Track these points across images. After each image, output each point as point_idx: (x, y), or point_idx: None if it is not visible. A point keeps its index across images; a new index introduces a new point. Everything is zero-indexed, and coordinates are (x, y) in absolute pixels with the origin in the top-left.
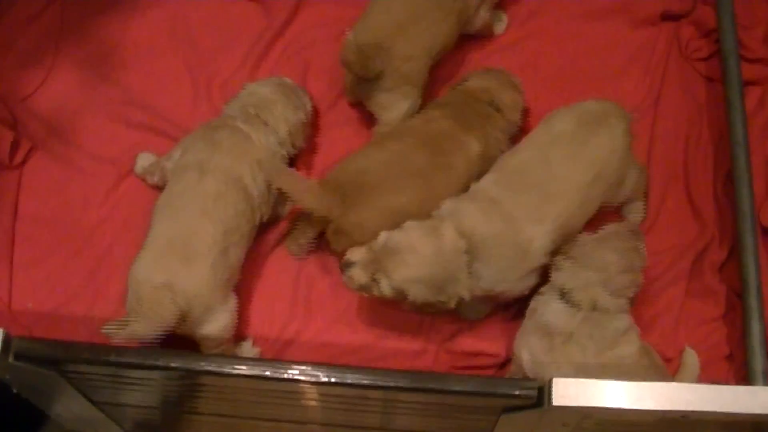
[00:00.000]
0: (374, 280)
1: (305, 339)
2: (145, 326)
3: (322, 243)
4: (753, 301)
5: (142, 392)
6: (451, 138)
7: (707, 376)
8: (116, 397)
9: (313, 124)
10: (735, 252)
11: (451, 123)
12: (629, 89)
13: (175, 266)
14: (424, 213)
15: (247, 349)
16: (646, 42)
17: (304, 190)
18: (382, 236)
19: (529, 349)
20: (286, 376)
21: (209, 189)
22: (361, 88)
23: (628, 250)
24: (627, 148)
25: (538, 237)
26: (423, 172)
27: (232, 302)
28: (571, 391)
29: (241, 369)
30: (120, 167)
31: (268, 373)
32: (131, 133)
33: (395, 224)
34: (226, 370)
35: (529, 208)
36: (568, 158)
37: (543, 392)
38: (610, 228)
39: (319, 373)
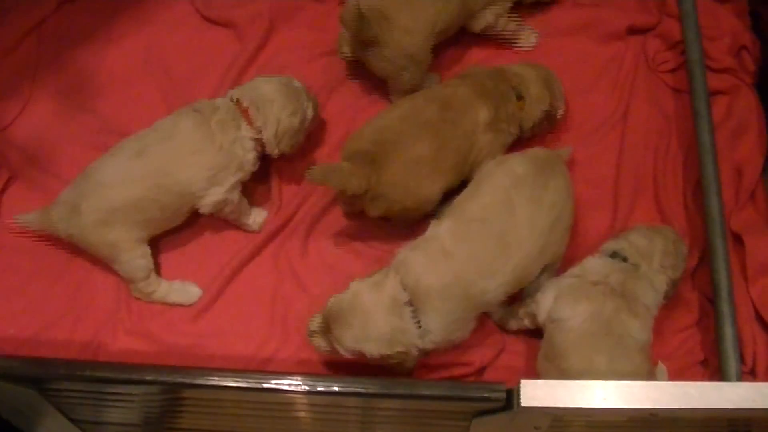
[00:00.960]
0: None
1: (284, 357)
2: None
3: (299, 262)
4: (725, 307)
5: (122, 410)
6: (461, 100)
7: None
8: (97, 416)
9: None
10: (706, 258)
11: (467, 90)
12: (598, 103)
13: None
14: (439, 163)
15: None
16: (613, 56)
17: (341, 178)
18: (330, 301)
19: (557, 289)
20: (256, 385)
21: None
22: (360, 49)
23: (674, 241)
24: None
25: (492, 290)
26: (432, 123)
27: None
28: (539, 393)
29: (213, 380)
30: None
31: (239, 384)
32: None
33: (421, 175)
34: (199, 381)
35: (484, 261)
36: (532, 201)
37: (512, 394)
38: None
39: (291, 382)
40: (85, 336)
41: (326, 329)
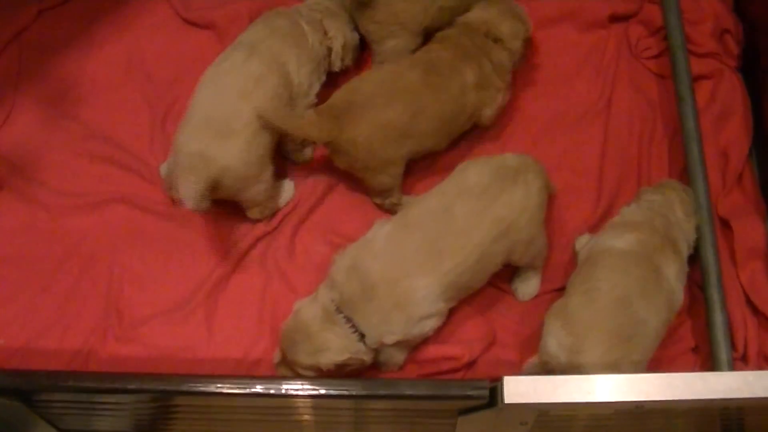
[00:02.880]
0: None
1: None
2: (183, 188)
3: (286, 262)
4: (714, 293)
5: (112, 418)
6: (446, 64)
7: (674, 369)
8: (86, 425)
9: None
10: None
11: (449, 54)
12: (582, 91)
13: (210, 139)
14: (414, 129)
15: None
16: (596, 44)
17: (303, 123)
18: (281, 327)
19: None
20: (241, 391)
21: (253, 70)
22: (355, 8)
23: (683, 189)
24: (540, 205)
25: (421, 288)
26: (414, 88)
27: (267, 174)
28: (522, 389)
29: (197, 387)
30: (85, 201)
31: (224, 390)
32: (94, 167)
33: (387, 138)
34: (183, 388)
35: (412, 263)
36: (473, 214)
37: (495, 391)
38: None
39: (276, 386)
40: (75, 344)
41: (284, 356)
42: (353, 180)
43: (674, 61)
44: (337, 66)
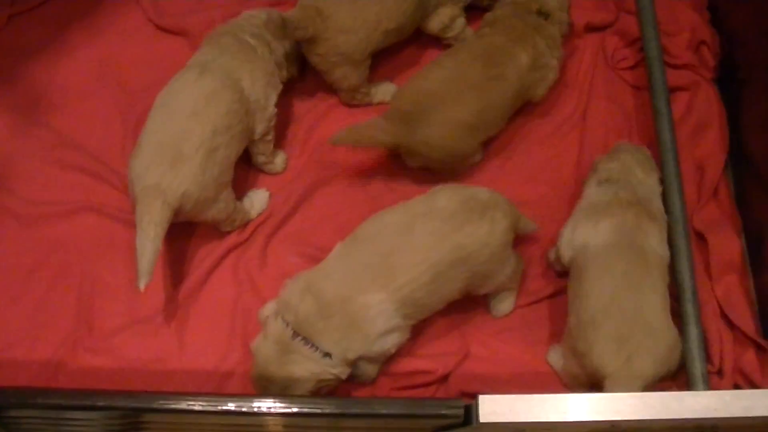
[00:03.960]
0: None
1: (245, 370)
2: (146, 219)
3: (258, 273)
4: (690, 307)
5: None
6: (501, 51)
7: None
8: None
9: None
10: (670, 258)
11: (502, 38)
12: (558, 102)
13: (164, 168)
14: (482, 121)
15: (254, 200)
16: (572, 54)
17: (373, 132)
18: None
19: (574, 221)
20: (210, 408)
21: (204, 88)
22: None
23: (636, 149)
24: (504, 244)
25: (374, 305)
26: (478, 85)
27: (225, 192)
28: (498, 408)
29: (166, 404)
30: (55, 210)
31: (193, 407)
32: (65, 175)
33: (459, 134)
34: (153, 405)
35: (364, 278)
36: (434, 234)
37: (470, 410)
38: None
39: (247, 404)
40: (45, 355)
41: None
42: (328, 191)
43: (651, 73)
44: (282, 77)
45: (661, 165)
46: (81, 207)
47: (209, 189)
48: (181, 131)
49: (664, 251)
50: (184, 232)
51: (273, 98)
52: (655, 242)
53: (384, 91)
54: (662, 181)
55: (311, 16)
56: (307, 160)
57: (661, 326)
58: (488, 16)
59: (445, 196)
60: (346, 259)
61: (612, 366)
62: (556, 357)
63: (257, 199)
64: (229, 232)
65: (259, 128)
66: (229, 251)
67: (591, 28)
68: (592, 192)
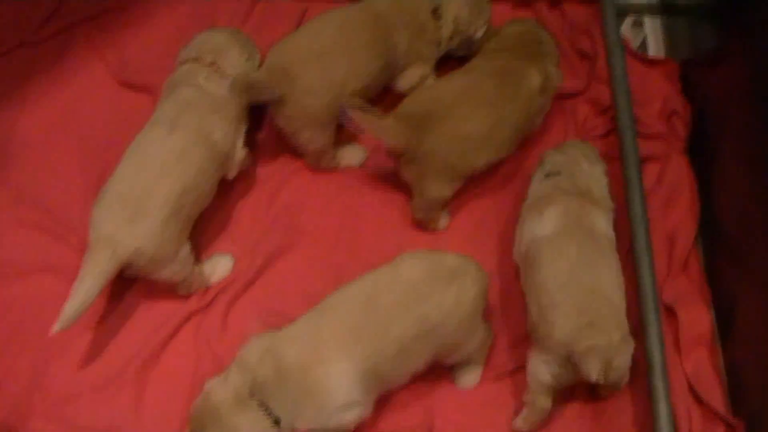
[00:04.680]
0: None
1: None
2: (88, 267)
3: (218, 342)
4: (659, 383)
5: None
6: (514, 71)
7: None
8: None
9: None
10: (638, 332)
11: (513, 59)
12: (528, 168)
13: (122, 220)
14: (492, 140)
15: (216, 265)
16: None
17: (382, 127)
18: (191, 407)
19: (520, 217)
20: None
21: (175, 145)
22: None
23: (582, 143)
24: (473, 313)
25: (335, 374)
26: (491, 99)
27: (183, 251)
28: None
29: None
30: (10, 270)
31: None
32: (22, 233)
33: (466, 150)
34: None
35: (326, 348)
36: (399, 306)
37: None
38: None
39: None
40: (14, 389)
41: None
42: (292, 257)
43: (622, 142)
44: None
45: (631, 236)
46: (37, 267)
47: (166, 248)
48: (148, 186)
49: (611, 234)
50: (143, 294)
51: (241, 140)
52: (603, 224)
53: (351, 154)
54: (607, 173)
55: (278, 78)
56: (272, 225)
57: (619, 301)
58: (490, 45)
59: (409, 265)
60: (311, 326)
61: (576, 336)
62: (535, 365)
63: (220, 266)
64: (188, 296)
65: (232, 173)
66: (189, 316)
67: (561, 96)
68: (536, 187)
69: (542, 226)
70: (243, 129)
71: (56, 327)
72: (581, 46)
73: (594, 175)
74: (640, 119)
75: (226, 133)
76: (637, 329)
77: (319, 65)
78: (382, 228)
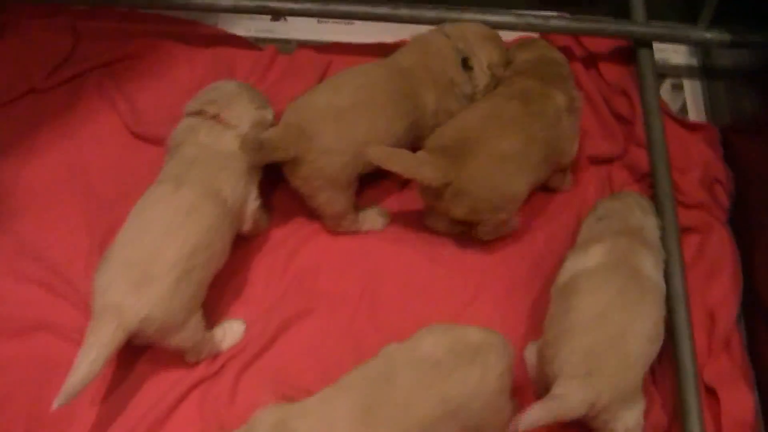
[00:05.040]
0: None
1: None
2: (92, 338)
3: (227, 413)
4: None
5: None
6: (537, 92)
7: None
8: None
9: None
10: (678, 415)
11: (533, 82)
12: (559, 237)
13: (128, 287)
14: (528, 158)
15: (227, 331)
16: (575, 187)
17: (419, 164)
18: None
19: (567, 261)
20: None
21: (183, 200)
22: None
23: (639, 196)
24: (500, 391)
25: None
26: (518, 118)
27: (194, 320)
28: None
29: None
30: (6, 327)
31: None
32: (21, 289)
33: (507, 170)
34: None
35: (342, 428)
36: (419, 388)
37: None
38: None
39: None
40: None
41: None
42: (308, 324)
43: (661, 212)
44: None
45: (670, 312)
46: (34, 325)
47: (176, 315)
48: (154, 248)
49: (660, 281)
50: (145, 359)
51: (254, 192)
52: (651, 267)
53: (374, 217)
54: (660, 227)
55: (293, 136)
56: (287, 289)
57: (638, 357)
58: (506, 73)
59: (429, 341)
60: (327, 404)
61: (569, 373)
62: (530, 353)
63: (231, 331)
64: (196, 363)
65: (246, 226)
66: (196, 385)
67: (597, 160)
68: (586, 231)
69: (586, 260)
70: (256, 181)
71: (57, 402)
72: (618, 109)
73: (646, 222)
74: (679, 187)
75: (235, 188)
76: (677, 410)
77: (337, 123)
78: (405, 295)
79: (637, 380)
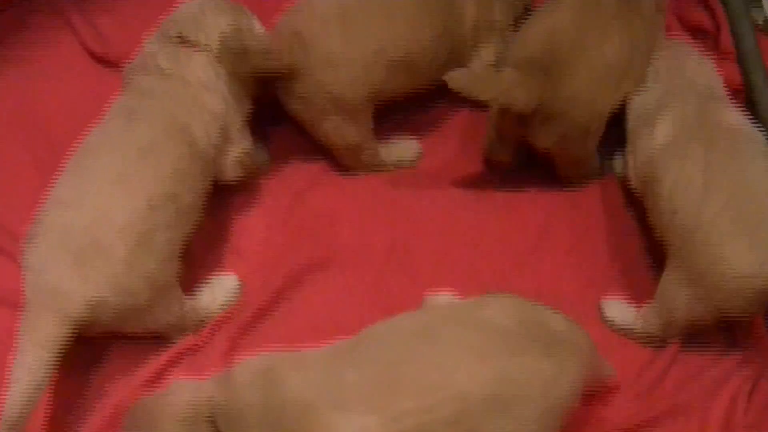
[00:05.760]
0: None
1: None
2: (26, 338)
3: None
4: None
5: None
6: None
7: None
8: None
9: None
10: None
11: None
12: None
13: (67, 263)
14: (633, 66)
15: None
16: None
17: (509, 87)
18: None
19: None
20: None
21: (137, 139)
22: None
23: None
24: (566, 401)
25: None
26: (619, 16)
27: (166, 294)
28: None
29: None
30: None
31: None
32: None
33: (608, 84)
34: None
35: (352, 391)
36: (470, 349)
37: None
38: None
39: None
40: None
41: None
42: (322, 280)
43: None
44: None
45: None
46: None
47: (137, 294)
48: (100, 206)
49: (749, 125)
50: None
51: (237, 132)
52: (732, 118)
53: (402, 150)
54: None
55: (287, 41)
56: (294, 237)
57: None
58: None
59: (496, 307)
60: (334, 358)
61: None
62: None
63: (222, 289)
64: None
65: (229, 174)
66: (180, 357)
67: None
68: (639, 99)
69: (655, 139)
70: (241, 117)
71: None
72: (695, 21)
73: (705, 71)
74: None
75: (209, 125)
76: None
77: (344, 26)
78: (446, 244)
79: None
